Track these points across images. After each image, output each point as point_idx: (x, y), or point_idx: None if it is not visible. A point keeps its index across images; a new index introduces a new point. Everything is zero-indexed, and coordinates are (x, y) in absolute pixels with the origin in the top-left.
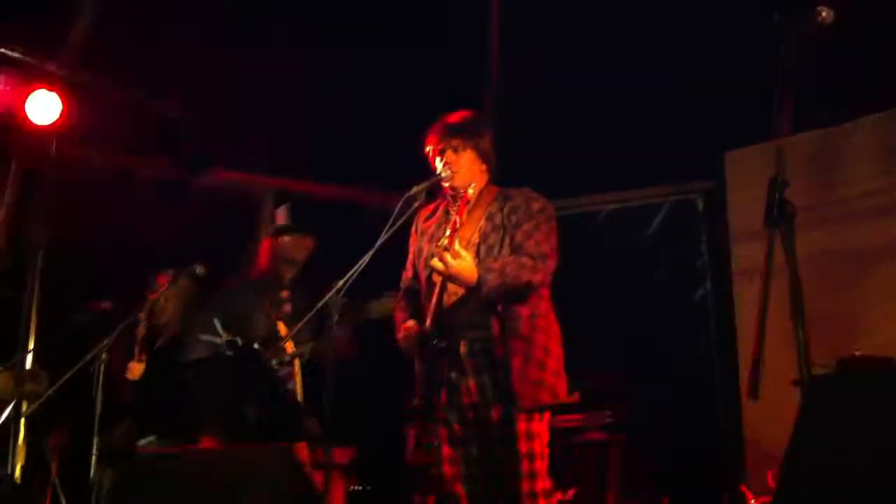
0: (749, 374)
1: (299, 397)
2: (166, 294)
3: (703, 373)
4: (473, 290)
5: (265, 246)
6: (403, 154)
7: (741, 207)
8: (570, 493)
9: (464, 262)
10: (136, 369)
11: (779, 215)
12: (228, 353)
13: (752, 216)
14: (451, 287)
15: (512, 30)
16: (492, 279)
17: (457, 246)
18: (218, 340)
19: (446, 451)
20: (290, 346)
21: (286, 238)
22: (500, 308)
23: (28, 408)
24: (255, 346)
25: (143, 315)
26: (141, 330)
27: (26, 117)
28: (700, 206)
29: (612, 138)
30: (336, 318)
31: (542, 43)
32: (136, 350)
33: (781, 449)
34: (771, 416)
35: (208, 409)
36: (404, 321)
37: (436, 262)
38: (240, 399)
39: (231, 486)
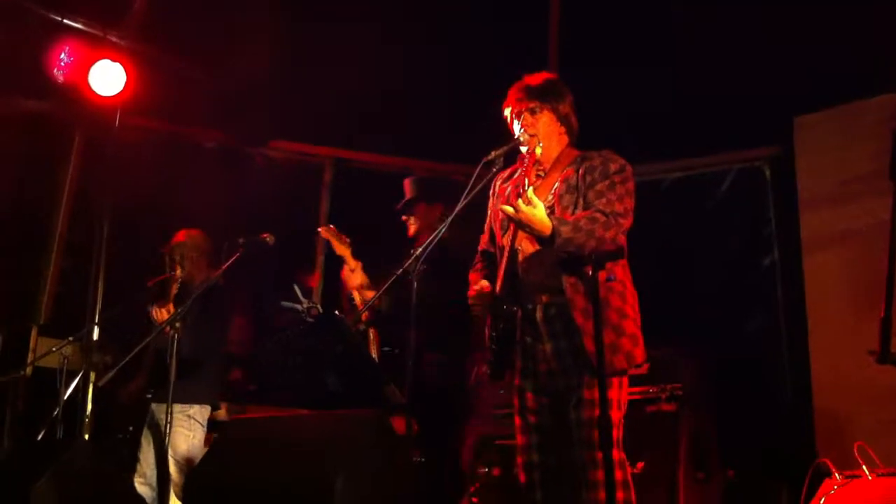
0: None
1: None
2: (180, 251)
3: (772, 342)
4: (546, 244)
5: None
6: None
7: (811, 173)
8: (639, 466)
9: (536, 210)
10: (163, 313)
11: None
12: (309, 319)
13: (823, 182)
14: (523, 249)
15: None
16: (566, 230)
17: (530, 193)
18: (299, 307)
19: (518, 420)
20: (366, 315)
21: None
22: (573, 270)
23: (97, 378)
24: (336, 312)
25: (178, 273)
26: (174, 288)
27: (90, 88)
28: (767, 172)
29: (676, 104)
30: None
31: (606, 9)
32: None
33: (855, 422)
34: (842, 387)
35: (291, 376)
36: (477, 282)
37: (506, 207)
38: (322, 365)
39: (323, 452)
